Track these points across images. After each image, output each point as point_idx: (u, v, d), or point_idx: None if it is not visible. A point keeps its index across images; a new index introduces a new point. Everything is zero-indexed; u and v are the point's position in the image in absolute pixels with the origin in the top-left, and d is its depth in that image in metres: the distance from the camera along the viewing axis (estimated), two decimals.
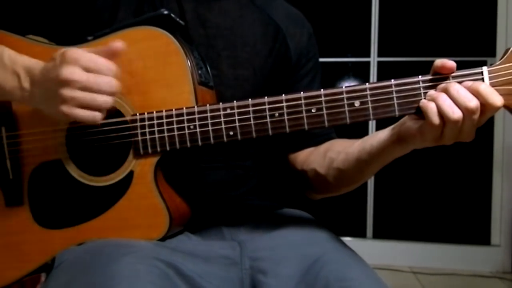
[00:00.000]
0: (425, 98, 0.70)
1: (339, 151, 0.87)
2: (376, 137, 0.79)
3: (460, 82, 0.68)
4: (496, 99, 0.66)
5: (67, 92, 0.69)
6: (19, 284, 0.85)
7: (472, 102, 0.66)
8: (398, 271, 2.58)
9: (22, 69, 0.74)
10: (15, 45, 0.83)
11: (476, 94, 0.67)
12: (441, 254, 2.67)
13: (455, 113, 0.67)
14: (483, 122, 0.69)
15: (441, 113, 0.67)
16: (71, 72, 0.68)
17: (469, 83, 0.68)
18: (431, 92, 0.70)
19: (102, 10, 0.86)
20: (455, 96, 0.67)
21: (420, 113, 0.70)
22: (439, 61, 0.69)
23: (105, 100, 0.71)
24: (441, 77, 0.69)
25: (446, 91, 0.68)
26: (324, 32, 2.68)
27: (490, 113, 0.68)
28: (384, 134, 0.78)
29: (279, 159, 0.98)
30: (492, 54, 2.59)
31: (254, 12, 0.93)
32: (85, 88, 0.69)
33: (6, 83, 0.75)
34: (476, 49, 2.62)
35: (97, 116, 0.71)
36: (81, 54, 0.70)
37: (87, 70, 0.70)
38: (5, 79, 0.75)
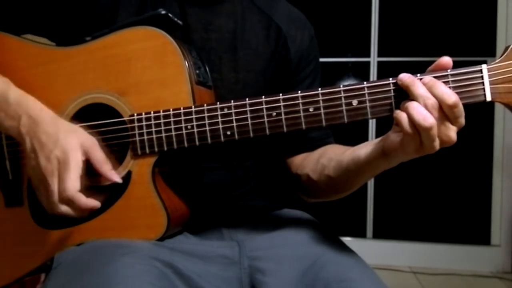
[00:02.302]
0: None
1: (331, 158, 0.87)
2: (364, 149, 0.78)
3: (458, 80, 0.67)
4: (448, 98, 0.65)
5: (49, 169, 0.72)
6: (19, 284, 0.85)
7: (431, 99, 0.65)
8: (398, 271, 2.58)
9: (25, 114, 0.75)
10: (13, 46, 0.83)
11: (433, 93, 0.65)
12: (441, 254, 2.67)
13: (426, 120, 0.64)
14: (461, 124, 0.67)
15: (411, 121, 0.65)
16: (65, 209, 0.72)
17: (425, 80, 0.67)
18: (404, 101, 0.68)
19: (102, 11, 0.86)
20: (417, 96, 0.66)
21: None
22: (437, 61, 0.69)
23: (54, 201, 0.72)
24: (439, 75, 0.68)
25: (410, 94, 0.67)
26: (324, 32, 2.68)
27: (456, 114, 0.66)
28: (371, 147, 0.76)
29: (277, 161, 0.98)
30: (492, 54, 2.59)
31: (256, 14, 0.93)
32: (61, 174, 0.72)
33: (6, 119, 0.77)
34: (476, 49, 2.62)
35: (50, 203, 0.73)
36: (97, 147, 0.75)
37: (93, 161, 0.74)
38: (6, 115, 0.76)
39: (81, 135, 0.75)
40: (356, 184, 0.84)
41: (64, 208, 0.72)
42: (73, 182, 0.71)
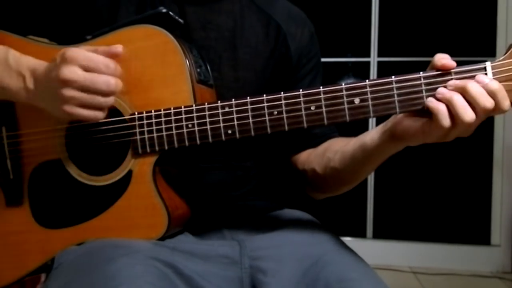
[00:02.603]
0: (432, 96, 0.68)
1: (336, 151, 0.87)
2: (369, 135, 0.79)
3: (462, 78, 0.67)
4: (506, 104, 0.66)
5: (67, 91, 0.70)
6: (19, 284, 0.85)
7: (490, 102, 0.65)
8: (398, 271, 2.57)
9: (27, 70, 0.75)
10: (16, 45, 0.83)
11: (492, 94, 0.65)
12: (441, 254, 2.67)
13: (469, 116, 0.65)
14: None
15: (453, 115, 0.66)
16: (70, 71, 0.69)
17: (484, 81, 0.66)
18: (442, 90, 0.67)
19: (102, 10, 0.86)
20: (474, 96, 0.65)
21: (426, 112, 0.68)
22: (439, 59, 0.68)
23: (105, 100, 0.71)
24: (443, 73, 0.68)
25: (463, 90, 0.66)
26: (324, 32, 2.68)
27: (495, 113, 0.67)
28: (377, 132, 0.77)
29: (281, 160, 0.98)
30: (492, 54, 2.58)
31: (255, 12, 0.93)
32: (83, 88, 0.70)
33: (12, 84, 0.76)
34: (476, 49, 2.62)
35: (98, 115, 0.72)
36: (80, 53, 0.70)
37: (86, 69, 0.70)
38: (10, 80, 0.76)
39: (71, 50, 0.73)
40: (363, 173, 0.85)
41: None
42: (104, 78, 0.70)
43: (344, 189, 0.91)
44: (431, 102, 0.68)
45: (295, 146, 0.96)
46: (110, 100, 0.72)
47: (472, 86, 0.65)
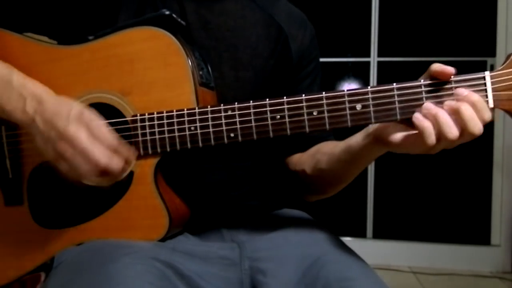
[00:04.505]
0: (419, 112, 0.68)
1: (324, 153, 0.88)
2: (354, 138, 0.80)
3: (461, 87, 0.68)
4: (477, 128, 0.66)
5: (63, 146, 0.70)
6: (19, 284, 0.85)
7: (479, 128, 0.65)
8: (398, 271, 2.58)
9: (30, 95, 0.75)
10: (14, 43, 0.83)
11: (481, 119, 0.66)
12: (441, 254, 2.67)
13: (453, 134, 0.65)
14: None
15: (438, 133, 0.66)
16: (77, 131, 0.70)
17: (477, 105, 0.66)
18: (429, 106, 0.67)
19: (103, 10, 0.86)
20: (466, 120, 0.65)
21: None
22: (437, 67, 0.68)
23: (88, 171, 0.71)
24: (442, 81, 0.69)
25: (456, 112, 0.66)
26: (324, 32, 2.68)
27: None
28: (361, 135, 0.78)
29: (276, 161, 0.98)
30: (492, 54, 2.59)
31: (256, 13, 0.93)
32: (80, 152, 0.70)
33: (8, 102, 0.75)
34: (476, 49, 2.62)
35: (80, 177, 0.73)
36: (93, 119, 0.72)
37: (92, 135, 0.71)
38: (9, 99, 0.75)
39: (89, 112, 0.74)
40: (349, 175, 0.86)
41: (97, 179, 0.72)
42: (102, 152, 0.71)
43: (332, 191, 0.93)
44: (417, 119, 0.68)
45: (290, 148, 0.96)
46: (91, 175, 0.72)
47: (466, 109, 0.65)
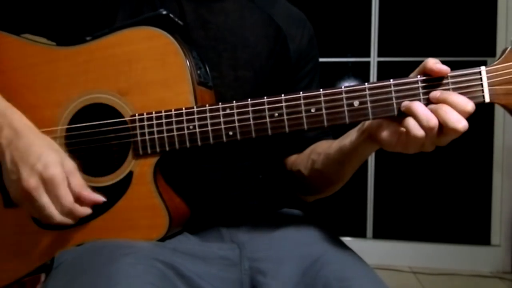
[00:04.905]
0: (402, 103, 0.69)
1: (319, 153, 0.88)
2: (348, 136, 0.80)
3: (457, 82, 0.68)
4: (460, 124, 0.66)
5: (23, 193, 0.71)
6: (19, 284, 0.85)
7: (463, 125, 0.66)
8: (398, 271, 2.58)
9: (7, 126, 0.74)
10: (12, 45, 0.83)
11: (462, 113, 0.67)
12: (441, 254, 2.67)
13: (433, 122, 0.66)
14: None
15: (420, 125, 0.67)
16: (36, 189, 0.70)
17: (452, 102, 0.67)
18: (404, 103, 0.69)
19: (101, 10, 0.86)
20: (445, 116, 0.66)
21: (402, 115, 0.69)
22: (434, 66, 0.69)
23: (50, 214, 0.71)
24: (439, 77, 0.69)
25: (444, 101, 0.67)
26: (324, 32, 2.68)
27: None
28: (355, 132, 0.78)
29: (275, 161, 0.99)
30: (492, 54, 2.58)
31: (255, 13, 0.93)
32: (37, 206, 0.71)
33: None
34: (475, 49, 2.62)
35: (41, 218, 0.73)
36: (56, 175, 0.71)
37: (48, 194, 0.71)
38: None
39: (64, 156, 0.74)
40: (344, 174, 0.85)
41: (62, 219, 0.72)
42: (67, 195, 0.71)
43: (328, 191, 0.92)
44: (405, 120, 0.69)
45: (287, 149, 0.97)
46: (54, 218, 0.72)
47: (444, 108, 0.67)
